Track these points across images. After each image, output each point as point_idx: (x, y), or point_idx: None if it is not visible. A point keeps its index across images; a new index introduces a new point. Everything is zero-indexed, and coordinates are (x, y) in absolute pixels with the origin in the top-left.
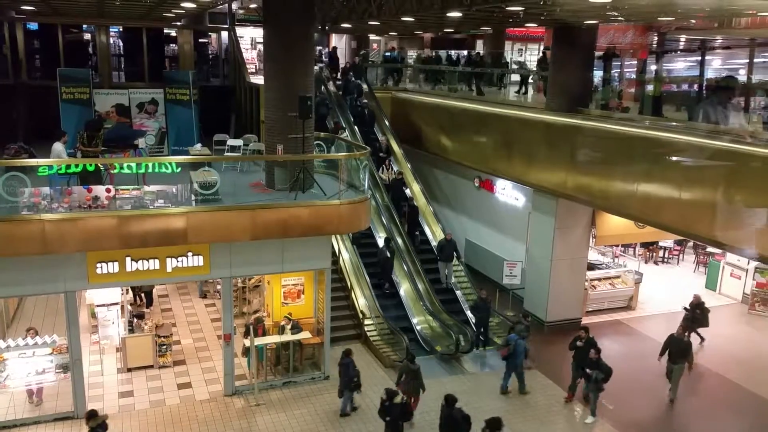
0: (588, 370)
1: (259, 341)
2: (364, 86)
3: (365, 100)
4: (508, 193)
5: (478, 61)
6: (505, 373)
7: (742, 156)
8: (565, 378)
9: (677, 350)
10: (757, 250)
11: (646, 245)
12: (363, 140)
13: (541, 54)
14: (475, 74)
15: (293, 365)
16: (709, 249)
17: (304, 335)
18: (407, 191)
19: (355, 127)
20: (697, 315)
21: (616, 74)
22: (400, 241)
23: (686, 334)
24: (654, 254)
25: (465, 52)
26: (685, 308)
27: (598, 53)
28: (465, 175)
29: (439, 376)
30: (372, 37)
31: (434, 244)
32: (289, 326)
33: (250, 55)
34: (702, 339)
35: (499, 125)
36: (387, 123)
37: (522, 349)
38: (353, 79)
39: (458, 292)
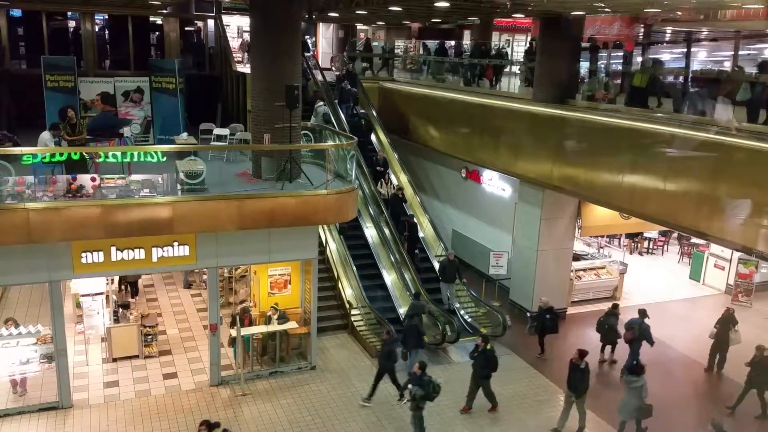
0: (410, 386)
1: (246, 331)
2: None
3: (362, 110)
4: (494, 183)
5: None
6: (630, 355)
7: (727, 147)
8: (549, 368)
9: (575, 378)
10: (741, 241)
11: (631, 236)
12: (360, 153)
13: (528, 45)
14: (461, 65)
15: (280, 355)
16: (694, 240)
17: (291, 325)
18: (407, 207)
19: (337, 106)
20: (546, 321)
21: (603, 65)
22: (387, 232)
23: (583, 359)
24: (639, 245)
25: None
26: (531, 314)
27: (585, 44)
28: (452, 165)
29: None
30: (359, 26)
31: (428, 248)
32: (275, 316)
33: (237, 44)
34: (542, 351)
35: (485, 116)
36: (374, 113)
37: (648, 330)
38: (348, 87)
39: (462, 313)
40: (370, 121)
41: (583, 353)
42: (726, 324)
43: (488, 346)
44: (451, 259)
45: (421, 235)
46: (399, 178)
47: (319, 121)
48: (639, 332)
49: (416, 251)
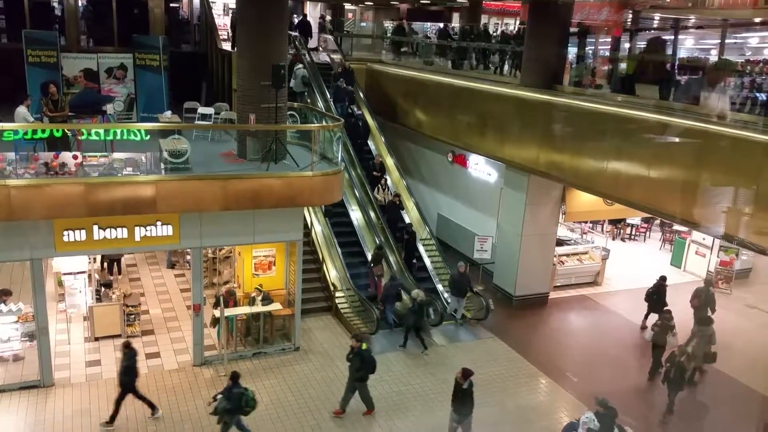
0: (218, 396)
1: (229, 312)
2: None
3: (359, 111)
4: (480, 168)
5: (452, 35)
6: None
7: (710, 135)
8: (531, 352)
9: (458, 397)
10: (722, 228)
11: (613, 222)
12: (357, 158)
13: (516, 28)
14: (450, 48)
15: (263, 336)
16: (675, 227)
17: (275, 307)
18: (405, 215)
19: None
20: (410, 315)
21: (590, 51)
22: (372, 215)
23: (467, 379)
24: (621, 231)
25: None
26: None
27: (573, 29)
28: (438, 149)
29: (409, 348)
30: (347, 6)
31: (428, 262)
32: (259, 297)
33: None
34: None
35: (472, 100)
36: (362, 95)
37: (713, 297)
38: (344, 85)
39: (446, 296)
40: (368, 123)
41: (467, 373)
42: (664, 329)
43: (363, 347)
44: (461, 271)
45: (419, 245)
46: (385, 161)
47: (298, 84)
48: (705, 299)
49: (414, 260)
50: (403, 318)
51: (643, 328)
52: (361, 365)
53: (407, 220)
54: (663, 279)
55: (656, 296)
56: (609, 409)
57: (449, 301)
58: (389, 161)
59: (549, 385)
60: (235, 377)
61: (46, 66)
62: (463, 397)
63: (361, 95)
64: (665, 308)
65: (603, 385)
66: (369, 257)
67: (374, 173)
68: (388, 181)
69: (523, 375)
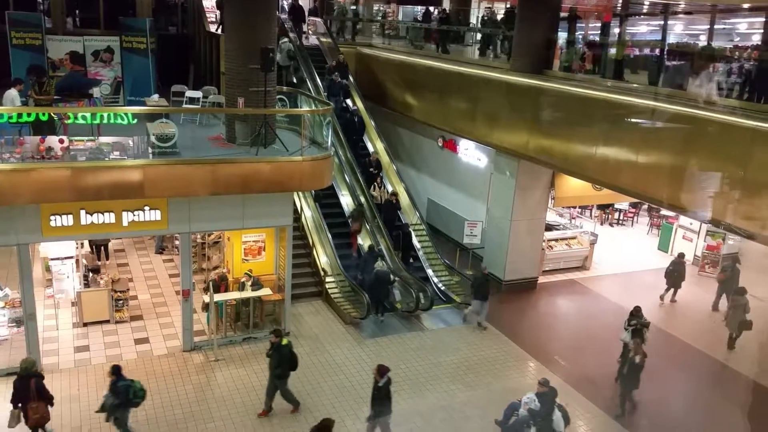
0: (104, 394)
1: (219, 297)
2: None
3: (354, 107)
4: (470, 153)
5: (444, 18)
6: (719, 292)
7: (698, 120)
8: (521, 335)
9: (375, 396)
10: (709, 213)
11: (602, 207)
12: (352, 153)
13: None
14: (441, 32)
15: (253, 321)
16: (663, 212)
17: (265, 292)
18: (402, 215)
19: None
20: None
21: (580, 36)
22: (363, 200)
23: (384, 376)
24: (609, 216)
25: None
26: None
27: (563, 14)
28: (429, 134)
29: (399, 332)
30: None
31: (419, 248)
32: (249, 283)
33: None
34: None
35: (462, 85)
36: (351, 79)
37: (739, 273)
38: (339, 79)
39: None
40: (363, 118)
41: (382, 370)
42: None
43: (283, 342)
44: (485, 272)
45: (416, 244)
46: (375, 145)
47: (283, 58)
48: (731, 274)
49: (410, 260)
50: (371, 291)
51: (670, 301)
52: (280, 362)
53: (404, 219)
54: (681, 256)
55: (676, 273)
56: (550, 389)
57: (469, 306)
58: (379, 145)
59: (537, 368)
60: (116, 370)
61: (31, 48)
62: (379, 395)
63: (351, 79)
64: (636, 305)
65: (590, 369)
66: (359, 243)
67: (371, 170)
68: (385, 179)
69: (512, 358)
